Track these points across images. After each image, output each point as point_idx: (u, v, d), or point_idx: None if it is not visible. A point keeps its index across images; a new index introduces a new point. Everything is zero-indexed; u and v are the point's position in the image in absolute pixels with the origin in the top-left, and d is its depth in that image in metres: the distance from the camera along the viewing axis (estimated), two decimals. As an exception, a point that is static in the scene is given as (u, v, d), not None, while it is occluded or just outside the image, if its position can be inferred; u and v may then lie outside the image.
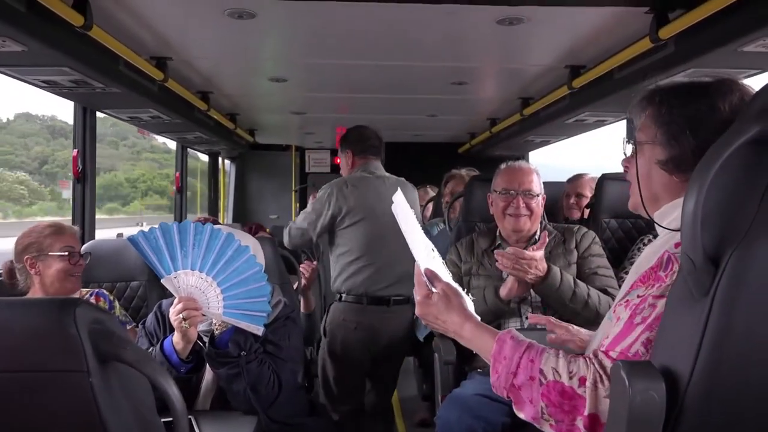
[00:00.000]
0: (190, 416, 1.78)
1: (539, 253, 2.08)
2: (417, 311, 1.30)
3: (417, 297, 1.29)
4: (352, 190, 2.82)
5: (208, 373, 2.01)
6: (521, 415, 1.10)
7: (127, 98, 2.91)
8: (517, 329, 2.17)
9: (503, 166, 2.44)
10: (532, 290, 2.27)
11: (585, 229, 2.40)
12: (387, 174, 2.97)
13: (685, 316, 0.85)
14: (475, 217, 2.87)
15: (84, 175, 3.18)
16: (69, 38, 2.11)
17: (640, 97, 1.24)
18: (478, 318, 1.34)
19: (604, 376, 1.00)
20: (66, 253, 2.12)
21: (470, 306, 1.44)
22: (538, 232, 2.39)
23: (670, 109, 1.18)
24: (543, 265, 2.09)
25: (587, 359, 1.04)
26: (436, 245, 3.51)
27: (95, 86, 2.62)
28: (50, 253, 2.11)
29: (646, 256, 1.18)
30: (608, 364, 1.01)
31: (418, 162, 5.36)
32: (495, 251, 2.16)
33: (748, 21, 1.85)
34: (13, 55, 2.10)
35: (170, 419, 0.97)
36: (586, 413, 1.00)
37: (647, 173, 1.23)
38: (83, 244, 2.60)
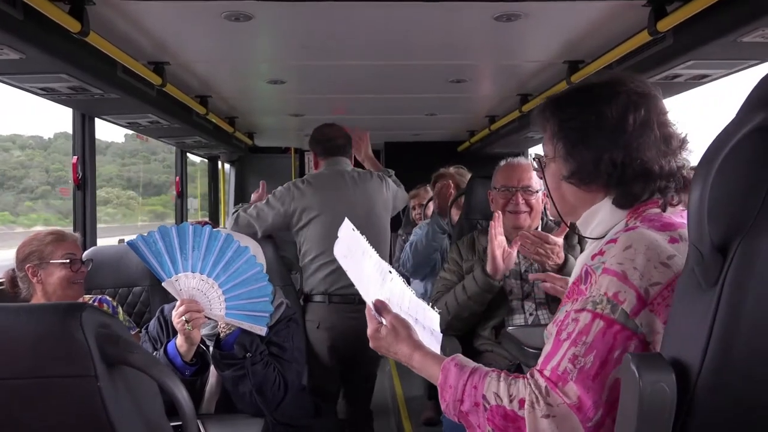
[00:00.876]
0: (197, 419, 1.78)
1: (560, 240, 2.09)
2: (370, 344, 1.32)
3: (368, 331, 1.31)
4: (308, 187, 2.75)
5: (212, 376, 2.01)
6: None
7: (126, 104, 2.91)
8: (520, 326, 2.20)
9: (503, 162, 2.45)
10: (534, 287, 2.28)
11: None
12: (350, 168, 2.89)
13: (694, 306, 0.85)
14: (477, 215, 2.87)
15: (84, 182, 3.18)
16: (66, 45, 2.11)
17: (536, 113, 1.25)
18: (439, 335, 1.41)
19: (539, 397, 1.00)
20: (67, 261, 2.12)
21: (435, 321, 1.46)
22: (539, 229, 2.39)
23: (561, 123, 1.19)
24: (562, 254, 2.09)
25: (525, 380, 1.04)
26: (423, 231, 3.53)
27: (93, 92, 2.61)
28: (51, 261, 2.10)
29: (577, 267, 1.19)
30: (542, 383, 1.01)
31: (418, 161, 5.35)
32: (520, 232, 2.16)
33: (747, 11, 1.85)
34: (10, 63, 2.10)
35: (179, 423, 0.96)
36: None
37: (557, 187, 1.24)
38: (85, 250, 2.60)
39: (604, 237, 1.14)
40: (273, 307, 1.87)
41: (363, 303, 2.57)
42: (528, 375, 1.05)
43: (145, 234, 1.74)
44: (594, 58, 2.70)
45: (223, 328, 1.88)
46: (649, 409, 0.83)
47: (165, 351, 1.86)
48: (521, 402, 1.02)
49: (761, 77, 0.90)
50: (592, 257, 1.08)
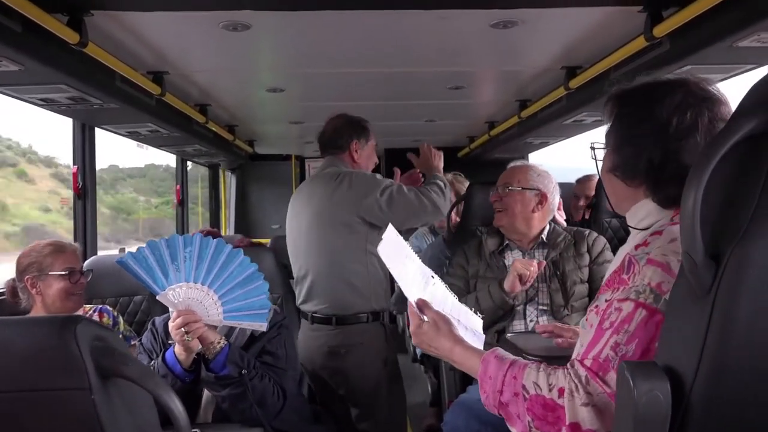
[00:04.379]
0: (195, 430, 1.77)
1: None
2: (413, 340, 1.36)
3: (411, 327, 1.36)
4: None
5: (208, 385, 2.00)
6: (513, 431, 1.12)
7: (125, 113, 2.92)
8: (521, 332, 2.19)
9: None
10: (538, 293, 2.27)
11: (596, 234, 2.40)
12: (329, 169, 2.49)
13: (688, 314, 0.85)
14: (476, 221, 2.88)
15: (84, 192, 3.19)
16: (65, 56, 2.12)
17: (605, 102, 1.26)
18: (481, 336, 1.44)
19: (579, 386, 1.01)
20: (66, 273, 2.11)
21: (478, 324, 1.49)
22: (545, 233, 2.37)
23: (615, 117, 1.21)
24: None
25: (565, 370, 1.06)
26: (427, 257, 3.27)
27: (93, 102, 2.62)
28: (50, 273, 2.10)
29: (617, 259, 1.20)
30: (582, 373, 1.02)
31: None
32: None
33: (743, 16, 1.85)
34: (10, 75, 2.11)
35: None
36: (567, 422, 1.02)
37: (606, 178, 1.26)
38: (85, 260, 2.61)
39: (650, 228, 1.15)
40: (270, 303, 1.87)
41: (318, 322, 2.42)
42: (568, 365, 1.07)
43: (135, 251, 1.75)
44: (591, 63, 2.70)
45: (209, 347, 1.83)
46: (644, 417, 0.83)
47: (163, 359, 1.85)
48: (561, 391, 1.03)
49: (752, 85, 0.90)
50: (636, 247, 1.10)
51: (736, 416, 0.82)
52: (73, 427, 0.87)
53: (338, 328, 2.41)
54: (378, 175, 2.46)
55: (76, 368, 0.84)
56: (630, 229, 1.22)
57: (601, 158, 1.29)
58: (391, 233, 1.40)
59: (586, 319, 1.12)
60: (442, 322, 1.31)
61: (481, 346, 1.37)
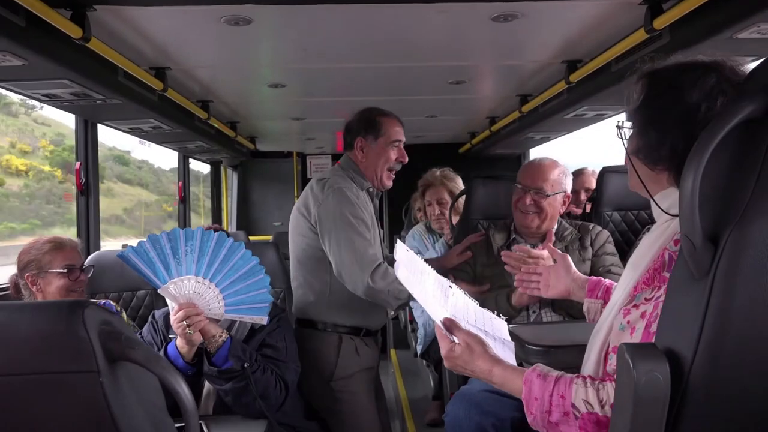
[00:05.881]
0: (200, 420, 1.78)
1: (544, 253, 2.06)
2: (445, 364, 1.30)
3: (442, 351, 1.29)
4: None
5: (209, 378, 2.01)
6: None
7: (128, 109, 2.93)
8: (523, 323, 2.20)
9: (531, 160, 2.47)
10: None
11: (599, 228, 2.43)
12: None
13: (687, 296, 0.86)
14: (478, 215, 2.89)
15: (87, 188, 3.20)
16: (68, 51, 2.13)
17: (634, 81, 1.22)
18: (511, 344, 1.35)
19: None
20: (65, 270, 2.12)
21: (504, 329, 1.41)
22: (553, 227, 2.39)
23: (646, 98, 1.17)
24: (550, 261, 2.06)
25: (613, 383, 1.03)
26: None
27: (95, 98, 2.64)
28: (50, 270, 2.10)
29: (646, 248, 1.17)
30: None
31: (420, 164, 5.36)
32: (502, 252, 2.14)
33: (742, 8, 1.86)
34: (13, 70, 2.12)
35: (181, 424, 0.97)
36: None
37: (631, 159, 1.22)
38: (88, 255, 2.62)
39: None
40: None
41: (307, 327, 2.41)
42: (615, 377, 1.04)
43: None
44: (592, 57, 2.71)
45: (212, 341, 1.84)
46: (643, 398, 0.84)
47: (165, 353, 1.86)
48: (613, 407, 1.01)
49: (751, 69, 0.91)
50: (675, 243, 1.06)
51: (734, 397, 0.83)
52: (82, 409, 0.88)
53: (298, 328, 2.43)
54: (346, 197, 2.28)
55: (85, 351, 0.86)
56: (655, 214, 1.18)
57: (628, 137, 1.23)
58: (401, 253, 1.36)
59: (627, 322, 1.08)
60: (475, 343, 1.24)
61: (512, 355, 1.33)
